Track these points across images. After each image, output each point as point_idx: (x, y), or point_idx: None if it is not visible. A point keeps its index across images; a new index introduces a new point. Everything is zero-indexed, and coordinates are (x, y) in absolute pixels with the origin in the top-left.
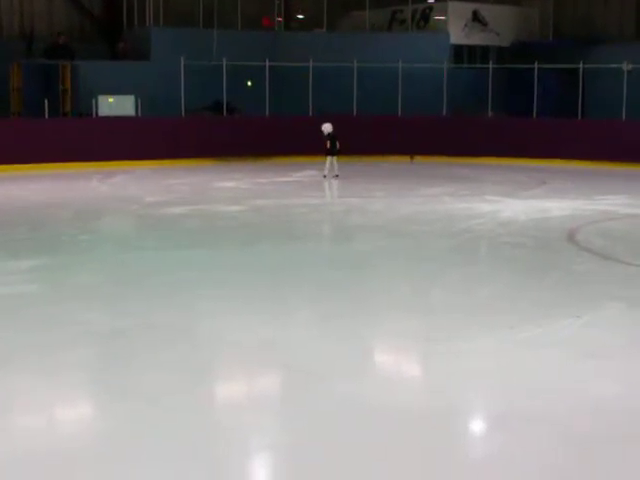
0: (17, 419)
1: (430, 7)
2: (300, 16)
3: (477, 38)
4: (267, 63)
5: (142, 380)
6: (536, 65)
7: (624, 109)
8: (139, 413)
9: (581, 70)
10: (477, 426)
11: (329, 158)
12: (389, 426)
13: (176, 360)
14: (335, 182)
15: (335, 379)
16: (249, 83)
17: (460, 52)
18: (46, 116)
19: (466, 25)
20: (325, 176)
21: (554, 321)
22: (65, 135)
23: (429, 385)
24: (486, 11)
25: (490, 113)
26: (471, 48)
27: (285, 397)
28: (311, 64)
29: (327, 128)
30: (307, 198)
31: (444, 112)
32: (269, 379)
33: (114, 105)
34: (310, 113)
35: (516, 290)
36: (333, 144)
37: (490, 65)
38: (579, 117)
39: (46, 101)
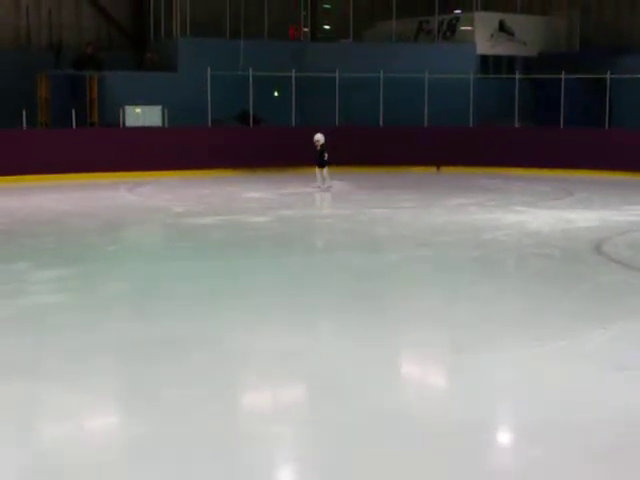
0: (43, 426)
1: (456, 17)
2: (326, 26)
3: (504, 48)
4: (293, 73)
5: (167, 389)
6: (563, 75)
7: None
8: (164, 423)
9: (608, 80)
10: (505, 439)
11: (318, 170)
12: (417, 438)
13: (202, 369)
14: (328, 195)
15: (362, 390)
16: (275, 93)
17: (486, 62)
18: (73, 126)
19: (492, 35)
20: (329, 187)
21: (581, 333)
22: (92, 145)
23: (457, 397)
24: (513, 21)
25: (517, 123)
26: (497, 58)
27: (311, 408)
28: (337, 74)
29: (322, 139)
30: (333, 209)
31: (470, 122)
32: (295, 390)
33: (141, 115)
34: (336, 123)
35: (543, 301)
36: (321, 155)
37: (517, 75)
38: (606, 127)
39: (73, 112)
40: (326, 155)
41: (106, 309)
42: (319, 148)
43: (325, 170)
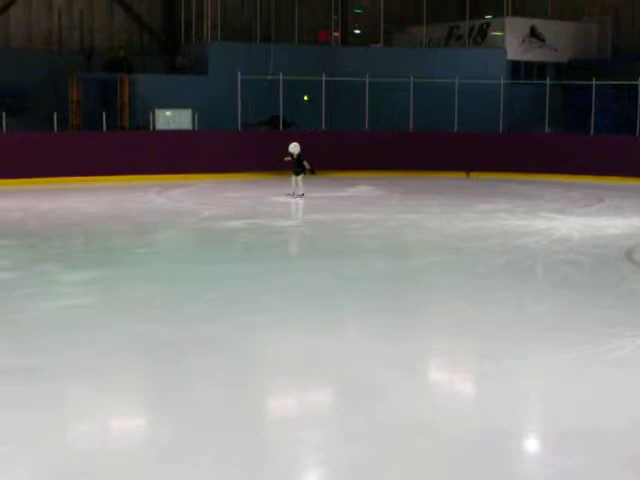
0: (72, 428)
1: (487, 23)
2: (357, 31)
3: (535, 54)
4: (324, 78)
5: (193, 393)
6: (594, 81)
7: None
8: (191, 425)
9: None
10: (534, 447)
11: (294, 178)
12: (443, 444)
13: (227, 373)
14: (302, 201)
15: (389, 396)
16: (305, 98)
17: (517, 68)
18: (104, 129)
19: (524, 41)
20: (302, 194)
21: (611, 340)
22: (123, 148)
23: (484, 404)
24: (544, 27)
25: (547, 129)
26: (528, 64)
27: (335, 413)
28: (367, 79)
29: (295, 149)
30: (362, 213)
31: (501, 128)
32: (320, 394)
33: (171, 119)
34: (366, 128)
35: (572, 308)
36: (299, 164)
37: (547, 81)
38: (637, 134)
39: (104, 114)
40: (306, 163)
41: (135, 311)
42: (295, 157)
43: (300, 178)
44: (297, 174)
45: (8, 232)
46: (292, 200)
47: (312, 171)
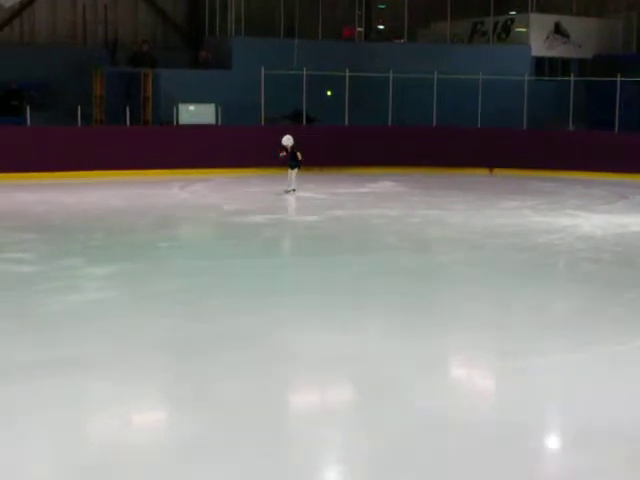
0: (93, 422)
1: (511, 19)
2: (381, 27)
3: (559, 50)
4: (347, 73)
5: (215, 389)
6: (619, 78)
7: None
8: (212, 421)
9: None
10: (553, 444)
11: (290, 171)
12: (463, 442)
13: (249, 369)
14: (292, 197)
15: (409, 393)
16: (329, 93)
17: (541, 64)
18: (127, 124)
19: (548, 37)
20: (293, 190)
21: (632, 339)
22: (146, 143)
23: (504, 401)
24: (568, 23)
25: (571, 126)
26: (552, 60)
27: (357, 410)
28: (391, 75)
29: (288, 141)
30: (384, 209)
31: (524, 125)
32: (342, 391)
33: (195, 113)
34: (389, 123)
35: (594, 306)
36: (293, 157)
37: (572, 77)
38: None
39: (128, 109)
40: (300, 155)
41: (156, 305)
42: (290, 150)
43: (294, 172)
44: (292, 168)
45: (32, 226)
46: (289, 197)
47: (299, 165)
